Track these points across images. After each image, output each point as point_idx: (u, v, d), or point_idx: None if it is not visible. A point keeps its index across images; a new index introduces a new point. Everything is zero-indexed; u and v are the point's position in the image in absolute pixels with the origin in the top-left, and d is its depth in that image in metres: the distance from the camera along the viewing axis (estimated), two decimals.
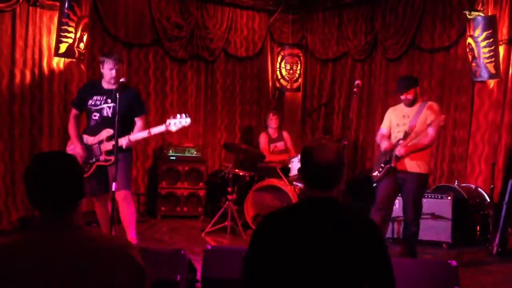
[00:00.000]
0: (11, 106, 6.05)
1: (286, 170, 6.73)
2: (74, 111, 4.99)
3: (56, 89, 6.35)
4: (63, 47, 6.15)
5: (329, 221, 2.11)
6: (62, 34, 6.10)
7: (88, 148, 4.80)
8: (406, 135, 5.00)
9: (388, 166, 5.04)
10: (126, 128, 4.69)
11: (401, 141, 5.00)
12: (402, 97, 5.09)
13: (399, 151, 4.96)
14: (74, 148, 4.84)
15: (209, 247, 3.77)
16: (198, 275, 3.76)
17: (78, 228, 1.85)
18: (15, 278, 1.72)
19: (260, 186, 6.39)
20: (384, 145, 5.18)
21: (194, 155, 7.33)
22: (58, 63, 6.34)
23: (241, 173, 6.53)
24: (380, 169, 5.11)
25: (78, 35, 6.19)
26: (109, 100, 4.74)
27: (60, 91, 6.39)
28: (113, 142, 4.60)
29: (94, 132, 4.79)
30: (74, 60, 6.37)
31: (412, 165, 4.97)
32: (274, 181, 6.41)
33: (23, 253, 1.76)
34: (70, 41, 6.15)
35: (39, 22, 6.17)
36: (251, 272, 2.16)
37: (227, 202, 6.24)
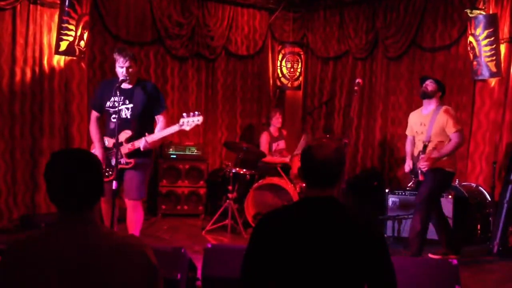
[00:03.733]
0: (12, 104, 6.04)
1: (286, 168, 6.73)
2: (94, 113, 4.81)
3: (57, 87, 6.34)
4: (63, 45, 6.15)
5: (328, 220, 2.10)
6: (63, 32, 6.10)
7: (110, 151, 4.69)
8: (425, 147, 5.05)
9: (416, 180, 5.20)
10: (145, 128, 4.57)
11: (421, 155, 5.04)
12: (424, 85, 5.21)
13: (423, 166, 5.00)
14: (96, 151, 4.72)
15: (210, 246, 3.77)
16: (199, 274, 3.75)
17: (94, 225, 1.85)
18: (29, 272, 1.73)
19: (260, 185, 6.39)
20: (406, 168, 5.35)
21: (194, 153, 7.32)
22: (59, 61, 6.33)
23: (241, 172, 6.52)
24: (413, 181, 5.42)
25: (78, 33, 6.19)
26: (127, 101, 4.56)
27: (61, 89, 6.38)
28: (131, 144, 4.54)
29: (113, 134, 4.56)
30: (74, 58, 6.36)
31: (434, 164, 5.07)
32: (274, 180, 6.40)
33: (38, 248, 1.78)
34: (71, 39, 6.14)
35: (39, 20, 6.16)
36: (250, 271, 2.16)
37: (227, 201, 6.23)
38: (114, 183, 4.28)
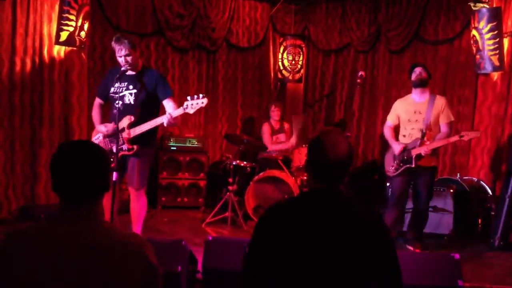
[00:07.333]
0: (12, 95, 6.00)
1: (287, 161, 6.70)
2: (97, 100, 4.79)
3: (57, 78, 6.30)
4: (64, 35, 6.10)
5: (333, 213, 2.07)
6: (63, 22, 6.05)
7: (110, 138, 4.62)
8: (424, 134, 5.04)
9: (407, 166, 5.07)
10: (150, 113, 4.52)
11: (419, 141, 5.02)
12: (417, 70, 5.12)
13: (424, 151, 4.95)
14: (100, 131, 4.70)
15: (210, 238, 3.75)
16: (199, 266, 3.74)
17: (96, 221, 1.82)
18: (27, 264, 1.70)
19: (261, 177, 6.36)
20: (396, 148, 5.17)
21: (195, 145, 7.30)
22: (59, 51, 6.29)
23: (242, 164, 6.50)
24: (398, 167, 5.15)
25: (79, 23, 6.15)
26: (130, 87, 4.54)
27: (61, 80, 6.34)
28: (134, 130, 4.48)
29: (116, 120, 4.52)
30: (75, 48, 6.32)
31: (426, 160, 5.03)
32: (275, 172, 6.38)
33: (37, 240, 1.75)
34: (71, 29, 6.10)
35: (40, 10, 6.11)
36: (252, 263, 2.13)
37: (228, 193, 6.21)
38: (115, 174, 4.25)
